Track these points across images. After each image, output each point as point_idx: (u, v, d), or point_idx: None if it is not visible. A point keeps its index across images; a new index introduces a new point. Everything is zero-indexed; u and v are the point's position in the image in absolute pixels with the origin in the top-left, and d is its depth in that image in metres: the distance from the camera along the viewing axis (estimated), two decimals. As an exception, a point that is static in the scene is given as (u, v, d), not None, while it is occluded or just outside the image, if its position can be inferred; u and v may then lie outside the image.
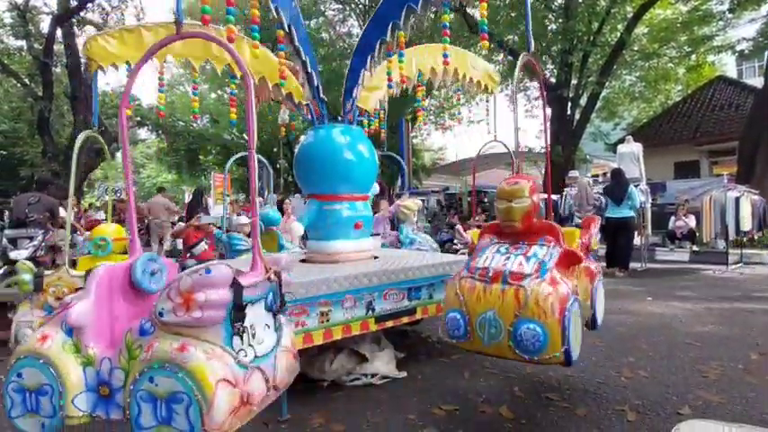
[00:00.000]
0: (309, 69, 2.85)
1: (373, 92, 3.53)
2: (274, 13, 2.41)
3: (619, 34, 11.82)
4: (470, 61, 3.92)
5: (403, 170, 6.92)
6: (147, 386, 1.25)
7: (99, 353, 1.41)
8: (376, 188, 3.51)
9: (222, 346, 1.31)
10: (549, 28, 12.18)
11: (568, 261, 1.93)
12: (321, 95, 3.07)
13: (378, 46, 2.79)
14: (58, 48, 12.85)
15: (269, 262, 1.56)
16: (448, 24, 2.61)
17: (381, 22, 2.70)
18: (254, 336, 1.43)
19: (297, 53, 2.73)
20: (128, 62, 2.89)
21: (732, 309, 4.16)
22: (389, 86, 3.21)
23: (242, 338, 1.38)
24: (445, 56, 2.88)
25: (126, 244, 3.07)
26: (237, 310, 1.36)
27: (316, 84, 2.95)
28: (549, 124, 2.45)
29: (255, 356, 1.41)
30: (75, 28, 12.18)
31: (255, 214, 1.58)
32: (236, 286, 1.35)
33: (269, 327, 1.52)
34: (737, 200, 6.83)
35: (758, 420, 2.02)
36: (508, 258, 1.90)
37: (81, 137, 3.01)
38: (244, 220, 5.89)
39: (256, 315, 1.45)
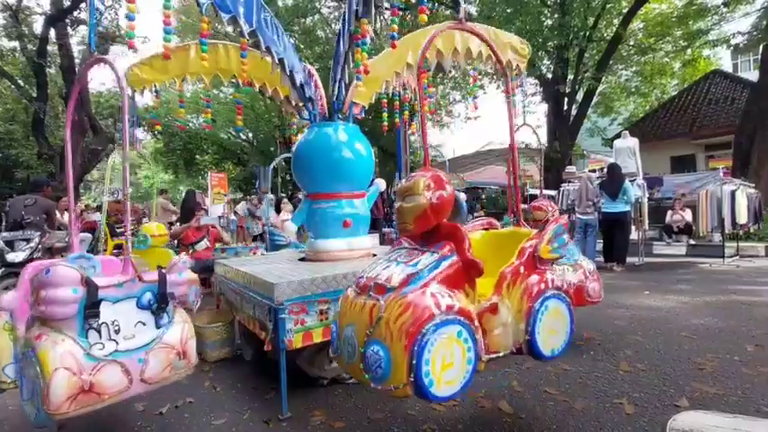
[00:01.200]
0: (288, 70, 2.88)
1: (370, 87, 3.36)
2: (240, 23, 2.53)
3: (614, 29, 11.83)
4: (489, 36, 3.24)
5: (400, 167, 6.93)
6: (22, 364, 1.58)
7: (20, 333, 1.70)
8: (382, 185, 3.38)
9: (74, 338, 1.50)
10: (545, 23, 12.17)
11: (466, 274, 1.59)
12: (308, 95, 3.10)
13: (347, 38, 2.79)
14: (52, 48, 12.76)
15: (114, 265, 1.83)
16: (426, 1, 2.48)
17: (349, 12, 2.73)
18: (117, 331, 1.61)
19: (269, 53, 2.78)
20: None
21: (728, 301, 4.19)
22: (358, 79, 2.98)
23: (99, 333, 1.56)
24: (392, 37, 2.74)
25: (166, 239, 3.55)
26: (90, 307, 1.53)
27: (298, 83, 2.99)
28: (513, 109, 2.24)
29: (116, 350, 1.58)
30: (68, 28, 12.10)
31: (127, 221, 1.85)
32: (89, 286, 1.53)
33: (144, 324, 1.69)
34: (733, 193, 6.86)
35: (754, 411, 2.04)
36: (388, 267, 1.63)
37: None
38: (286, 216, 6.00)
39: (122, 312, 1.63)
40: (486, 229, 2.21)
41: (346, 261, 2.87)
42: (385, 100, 3.91)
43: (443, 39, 3.25)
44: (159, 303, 1.73)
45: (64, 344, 1.47)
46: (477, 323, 1.55)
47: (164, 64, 3.34)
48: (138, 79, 3.32)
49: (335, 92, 3.12)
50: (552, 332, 1.77)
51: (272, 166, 6.20)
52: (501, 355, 1.64)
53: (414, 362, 1.37)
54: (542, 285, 1.77)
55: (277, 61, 2.77)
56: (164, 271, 1.78)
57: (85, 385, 1.46)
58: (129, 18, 2.53)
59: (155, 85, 3.40)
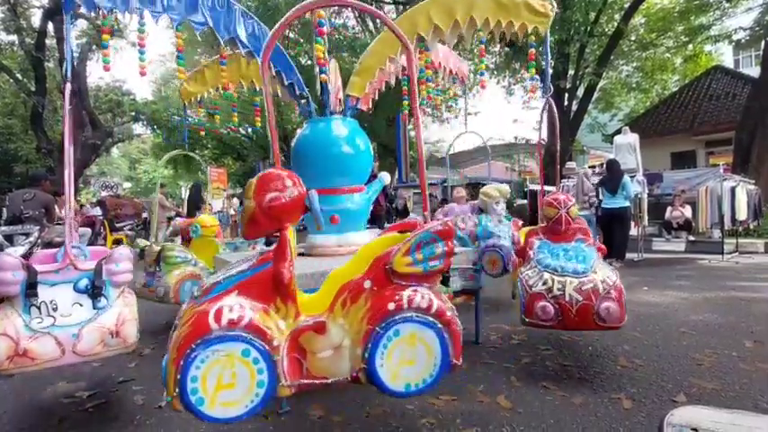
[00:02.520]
0: (273, 70, 2.92)
1: (363, 77, 3.22)
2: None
3: (616, 24, 11.77)
4: None
5: (400, 163, 6.93)
6: None
7: None
8: (386, 178, 3.26)
9: (18, 312, 1.87)
10: (546, 18, 12.08)
11: (273, 286, 1.45)
12: (299, 92, 3.12)
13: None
14: (50, 42, 12.69)
15: (101, 254, 2.16)
16: None
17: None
18: (54, 309, 1.94)
19: (251, 56, 2.85)
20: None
21: (727, 297, 4.20)
22: (322, 72, 2.90)
23: (39, 309, 1.91)
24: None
25: (216, 230, 3.88)
26: (29, 288, 1.88)
27: (286, 83, 3.02)
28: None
29: (53, 325, 1.90)
30: (66, 22, 12.02)
31: (70, 209, 2.15)
32: (29, 270, 1.90)
33: (81, 305, 2.00)
34: (733, 190, 6.86)
35: (752, 407, 2.05)
36: (222, 272, 1.57)
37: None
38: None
39: (60, 294, 1.96)
40: (401, 232, 1.76)
41: (342, 257, 2.87)
42: (405, 88, 3.81)
43: (438, 10, 2.84)
44: (93, 289, 2.02)
45: (10, 316, 1.86)
46: (279, 343, 1.40)
47: (203, 77, 3.90)
48: (187, 92, 4.05)
49: (328, 87, 3.13)
50: (406, 363, 1.49)
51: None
52: (330, 381, 1.48)
53: (179, 377, 1.31)
54: (391, 306, 1.48)
55: (259, 63, 2.83)
56: (101, 262, 2.08)
57: (20, 350, 1.81)
58: (103, 46, 2.83)
59: (200, 96, 4.06)
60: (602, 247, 2.68)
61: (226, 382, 1.35)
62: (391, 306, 1.48)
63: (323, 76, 2.92)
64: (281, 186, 1.48)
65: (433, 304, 1.51)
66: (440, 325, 1.51)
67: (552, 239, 2.67)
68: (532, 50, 3.00)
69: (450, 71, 4.16)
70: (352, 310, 1.50)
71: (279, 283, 1.43)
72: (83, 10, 2.53)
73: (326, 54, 2.90)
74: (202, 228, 3.76)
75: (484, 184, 4.37)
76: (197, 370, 1.32)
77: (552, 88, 2.71)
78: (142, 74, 3.04)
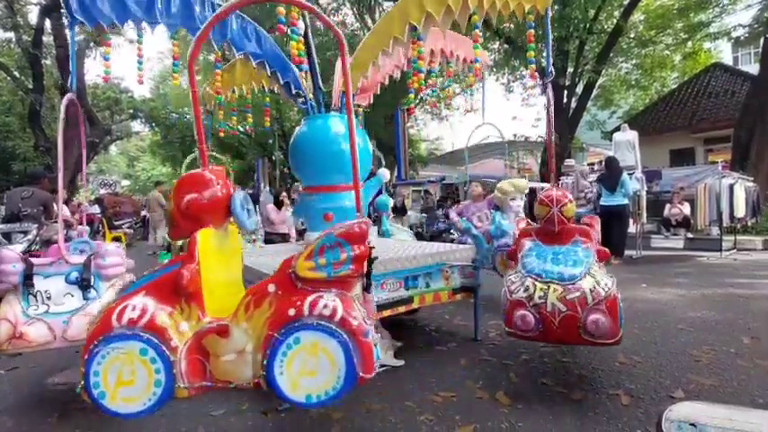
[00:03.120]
0: (269, 71, 2.93)
1: (356, 71, 3.12)
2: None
3: (615, 21, 11.74)
4: None
5: (399, 160, 6.92)
6: None
7: None
8: (385, 175, 3.19)
9: (18, 300, 2.14)
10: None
11: (172, 290, 1.45)
12: (295, 90, 3.13)
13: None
14: (48, 39, 12.63)
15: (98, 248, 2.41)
16: None
17: None
18: (48, 298, 2.19)
19: (248, 59, 2.86)
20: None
21: (725, 294, 4.21)
22: (300, 69, 3.01)
23: (36, 298, 2.17)
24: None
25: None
26: (26, 279, 2.15)
27: (282, 81, 3.05)
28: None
29: (47, 312, 2.16)
30: (63, 18, 11.96)
31: (60, 209, 2.55)
32: (26, 263, 2.18)
33: (72, 295, 2.24)
34: (732, 187, 6.87)
35: (749, 403, 2.06)
36: None
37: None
38: (287, 211, 6.14)
39: (53, 285, 2.22)
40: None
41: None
42: (410, 80, 3.70)
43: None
44: (82, 281, 2.25)
45: (11, 303, 2.14)
46: (177, 344, 1.41)
47: (221, 81, 3.84)
48: (208, 95, 4.16)
49: (318, 83, 3.15)
50: (307, 373, 1.39)
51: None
52: (233, 386, 1.46)
53: (83, 370, 1.39)
54: (291, 311, 1.40)
55: (255, 65, 2.88)
56: (90, 257, 2.31)
57: (17, 334, 2.07)
58: (105, 59, 2.94)
59: (219, 99, 4.11)
60: (604, 250, 2.31)
61: (125, 378, 1.40)
62: (291, 312, 1.40)
63: (301, 73, 3.03)
64: (200, 188, 1.49)
65: (338, 312, 1.39)
66: (344, 335, 1.38)
67: (545, 241, 2.35)
68: (531, 31, 2.79)
69: (465, 59, 3.87)
70: (256, 314, 1.45)
71: (178, 284, 1.42)
72: (86, 26, 2.59)
73: (311, 53, 2.99)
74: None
75: (493, 181, 4.34)
76: (98, 365, 1.39)
77: (554, 72, 2.43)
78: (140, 82, 3.26)
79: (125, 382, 1.39)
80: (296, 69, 3.07)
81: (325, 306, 1.39)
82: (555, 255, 2.23)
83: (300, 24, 2.69)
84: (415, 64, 3.13)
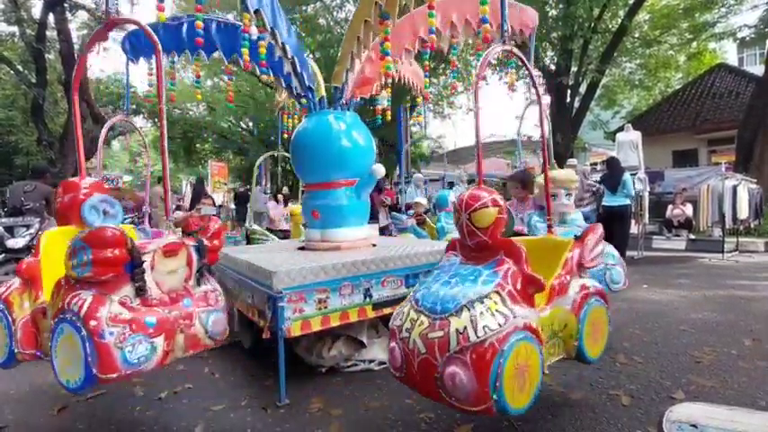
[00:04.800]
0: (272, 74, 3.01)
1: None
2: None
3: (620, 20, 11.69)
4: None
5: (400, 158, 6.91)
6: None
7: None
8: (378, 171, 3.06)
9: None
10: (550, 14, 12.02)
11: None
12: (296, 92, 3.14)
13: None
14: (51, 34, 12.64)
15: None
16: None
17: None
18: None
19: (273, 36, 2.81)
20: None
21: (727, 296, 4.19)
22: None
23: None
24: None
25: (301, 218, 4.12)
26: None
27: (284, 84, 3.12)
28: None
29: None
30: (67, 13, 11.96)
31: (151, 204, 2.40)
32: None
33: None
34: (735, 188, 6.84)
35: (750, 404, 2.05)
36: None
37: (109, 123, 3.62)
38: (422, 200, 6.34)
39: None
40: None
41: (344, 251, 2.87)
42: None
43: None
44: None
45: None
46: (17, 316, 1.85)
47: None
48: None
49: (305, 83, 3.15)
50: (67, 361, 1.54)
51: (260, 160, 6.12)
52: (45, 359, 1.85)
53: None
54: (59, 304, 1.59)
55: (280, 44, 2.78)
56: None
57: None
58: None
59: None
60: (535, 279, 1.57)
61: None
62: (59, 304, 1.56)
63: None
64: (65, 192, 2.01)
65: (83, 309, 1.46)
66: (83, 331, 1.44)
67: (465, 257, 1.72)
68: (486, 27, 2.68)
69: (468, 21, 3.13)
70: (55, 302, 1.63)
71: (17, 270, 1.88)
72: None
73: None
74: (293, 216, 4.49)
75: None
76: None
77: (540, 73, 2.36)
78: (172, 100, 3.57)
79: None
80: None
81: (77, 302, 1.49)
82: (455, 276, 1.64)
83: (253, 30, 2.69)
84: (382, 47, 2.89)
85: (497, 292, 1.50)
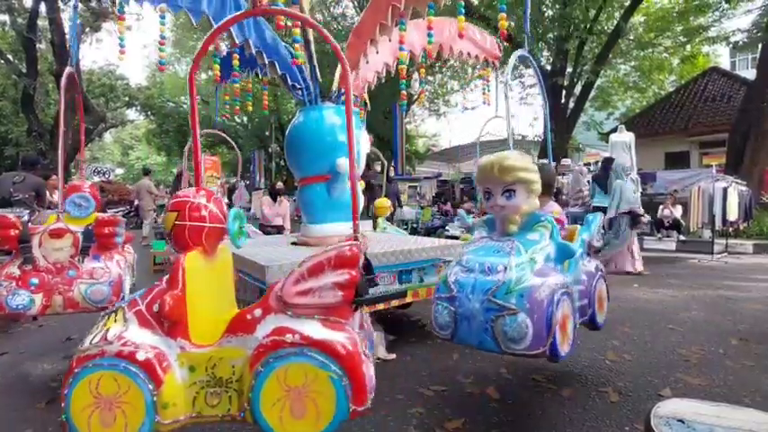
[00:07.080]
0: (267, 60, 3.05)
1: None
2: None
3: (616, 22, 11.75)
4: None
5: (396, 155, 6.91)
6: None
7: None
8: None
9: None
10: (546, 14, 12.05)
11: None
12: (291, 82, 3.18)
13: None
14: (42, 23, 12.44)
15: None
16: None
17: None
18: None
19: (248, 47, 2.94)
20: None
21: (715, 296, 4.25)
22: (401, 49, 3.23)
23: None
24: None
25: (387, 211, 4.45)
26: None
27: (279, 73, 3.14)
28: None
29: None
30: (59, 2, 11.77)
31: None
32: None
33: None
34: (725, 190, 6.93)
35: (736, 402, 2.08)
36: None
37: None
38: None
39: None
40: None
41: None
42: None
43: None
44: None
45: None
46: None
47: None
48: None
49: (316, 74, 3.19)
50: None
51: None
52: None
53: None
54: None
55: (255, 54, 2.90)
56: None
57: None
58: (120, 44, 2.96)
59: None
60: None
61: None
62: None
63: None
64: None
65: None
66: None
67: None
68: (503, 15, 2.78)
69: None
70: None
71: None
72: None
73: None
74: (379, 209, 4.51)
75: None
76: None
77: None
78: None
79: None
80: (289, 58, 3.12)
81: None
82: None
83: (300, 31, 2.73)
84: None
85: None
